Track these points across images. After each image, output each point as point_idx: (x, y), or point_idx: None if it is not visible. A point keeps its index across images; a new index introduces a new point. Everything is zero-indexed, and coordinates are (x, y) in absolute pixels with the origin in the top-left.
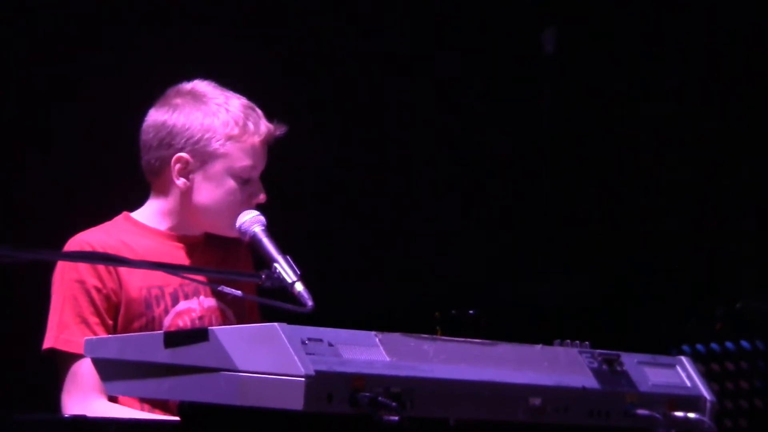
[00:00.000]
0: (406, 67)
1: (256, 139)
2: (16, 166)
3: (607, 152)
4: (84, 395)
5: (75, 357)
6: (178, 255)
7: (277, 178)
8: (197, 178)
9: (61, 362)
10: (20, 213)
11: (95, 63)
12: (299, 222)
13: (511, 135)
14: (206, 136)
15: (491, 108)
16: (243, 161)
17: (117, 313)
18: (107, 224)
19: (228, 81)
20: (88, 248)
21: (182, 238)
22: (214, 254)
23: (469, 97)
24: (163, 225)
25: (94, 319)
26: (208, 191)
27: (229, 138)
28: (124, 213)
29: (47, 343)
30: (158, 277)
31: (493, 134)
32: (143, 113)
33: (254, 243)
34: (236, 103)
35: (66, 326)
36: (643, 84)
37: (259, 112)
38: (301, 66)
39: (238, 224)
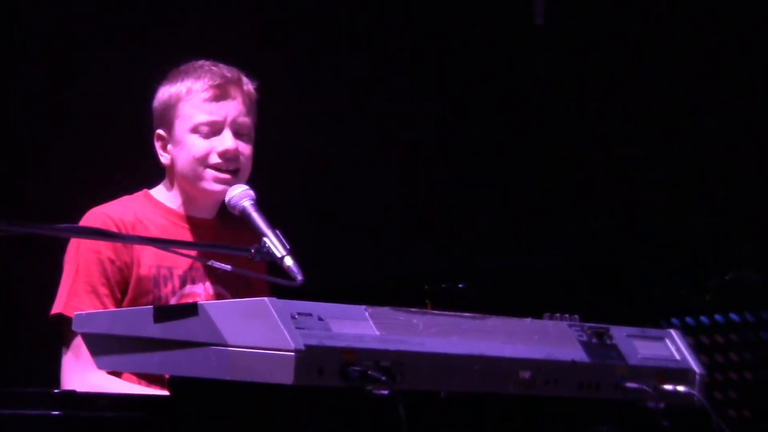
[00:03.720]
0: (397, 39)
1: (204, 91)
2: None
3: (598, 122)
4: (84, 364)
5: None
6: (188, 236)
7: (267, 151)
8: (171, 148)
9: (67, 329)
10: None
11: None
12: (288, 196)
13: (501, 107)
14: (167, 106)
15: (481, 80)
16: (197, 117)
17: (127, 287)
18: (127, 198)
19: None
20: (106, 220)
21: (193, 220)
22: (225, 237)
23: (459, 68)
24: (173, 205)
25: (104, 290)
26: (179, 155)
27: (181, 100)
28: (144, 190)
29: (56, 309)
30: (169, 257)
31: (484, 106)
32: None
33: (243, 217)
34: (200, 68)
35: (76, 294)
36: (632, 54)
37: (222, 67)
38: (295, 42)
39: (226, 199)
